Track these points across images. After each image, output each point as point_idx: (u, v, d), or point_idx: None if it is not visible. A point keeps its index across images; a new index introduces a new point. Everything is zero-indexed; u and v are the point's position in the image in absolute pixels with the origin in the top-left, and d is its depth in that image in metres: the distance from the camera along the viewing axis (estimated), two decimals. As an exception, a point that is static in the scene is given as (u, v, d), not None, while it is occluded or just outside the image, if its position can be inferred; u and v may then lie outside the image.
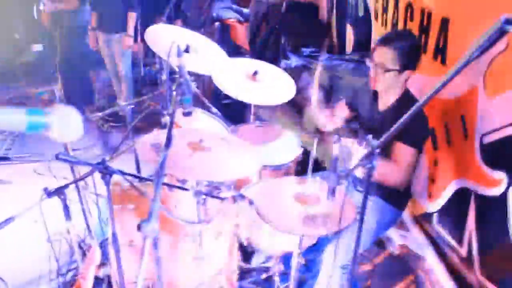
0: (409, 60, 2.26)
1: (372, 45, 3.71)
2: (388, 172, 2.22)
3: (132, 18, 4.64)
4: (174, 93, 1.60)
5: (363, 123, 2.60)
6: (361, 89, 2.55)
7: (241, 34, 5.85)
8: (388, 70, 2.25)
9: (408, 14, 3.15)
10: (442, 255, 2.92)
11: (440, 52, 2.70)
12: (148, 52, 6.39)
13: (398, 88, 2.35)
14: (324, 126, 2.56)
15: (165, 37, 2.66)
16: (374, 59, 2.30)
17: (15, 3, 6.31)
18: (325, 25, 5.40)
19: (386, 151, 2.27)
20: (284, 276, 2.61)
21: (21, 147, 4.43)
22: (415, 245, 3.18)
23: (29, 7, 6.41)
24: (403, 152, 2.23)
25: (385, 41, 2.30)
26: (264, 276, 2.75)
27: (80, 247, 2.68)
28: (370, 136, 1.40)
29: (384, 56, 2.26)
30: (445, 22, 2.63)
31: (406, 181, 2.30)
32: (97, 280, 2.51)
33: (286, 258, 2.60)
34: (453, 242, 2.76)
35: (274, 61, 4.09)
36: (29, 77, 6.13)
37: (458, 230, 2.67)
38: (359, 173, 2.45)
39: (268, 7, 5.51)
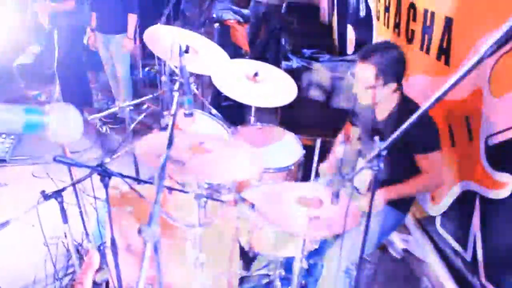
0: (390, 74, 2.20)
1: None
2: (428, 184, 2.30)
3: (133, 19, 4.61)
4: (176, 94, 1.56)
5: (364, 129, 2.56)
6: None
7: (241, 35, 5.83)
8: (369, 87, 2.22)
9: (411, 14, 3.12)
10: (445, 259, 2.89)
11: (444, 52, 2.67)
12: (147, 53, 6.36)
13: (390, 98, 2.31)
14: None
15: (165, 38, 2.63)
16: (356, 75, 2.27)
17: (11, 4, 6.28)
18: (325, 26, 5.38)
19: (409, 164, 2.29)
20: (285, 281, 2.56)
21: (19, 150, 4.39)
22: (418, 249, 3.14)
23: (25, 8, 6.38)
24: (431, 160, 2.23)
25: (364, 56, 2.24)
26: (265, 280, 2.71)
27: (77, 251, 2.64)
28: (377, 138, 1.36)
29: (364, 72, 2.22)
30: (448, 22, 2.60)
31: (442, 180, 2.33)
32: (95, 285, 2.47)
33: (287, 263, 2.56)
34: (457, 246, 2.73)
35: (275, 62, 4.07)
36: (27, 79, 6.09)
37: (462, 233, 2.64)
38: (360, 182, 2.45)
39: (268, 8, 5.49)
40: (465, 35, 2.46)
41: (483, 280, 2.44)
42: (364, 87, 2.23)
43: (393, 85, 2.23)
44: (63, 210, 2.06)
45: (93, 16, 4.71)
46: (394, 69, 2.22)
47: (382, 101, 2.31)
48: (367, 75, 2.20)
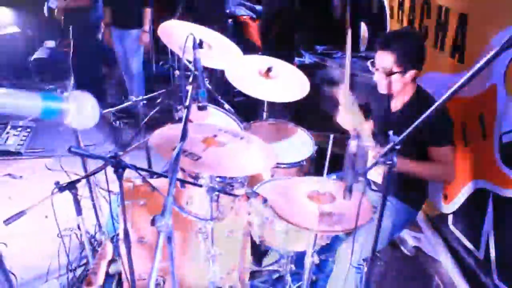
0: (410, 60, 2.20)
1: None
2: (440, 173, 2.29)
3: (148, 13, 4.64)
4: (190, 86, 1.57)
5: (378, 122, 2.55)
6: (375, 88, 2.50)
7: (254, 31, 5.82)
8: (390, 74, 2.21)
9: (425, 11, 3.09)
10: (457, 258, 2.86)
11: (458, 49, 2.65)
12: (160, 49, 6.39)
13: (408, 87, 2.31)
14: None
15: (179, 32, 2.64)
16: (376, 64, 2.26)
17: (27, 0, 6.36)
18: (338, 22, 5.35)
19: (420, 155, 2.28)
20: (296, 276, 2.57)
21: (33, 143, 4.44)
22: (429, 247, 3.12)
23: (41, 4, 6.46)
24: (443, 153, 2.23)
25: (383, 44, 2.24)
26: (276, 275, 2.72)
27: (90, 243, 2.66)
28: (391, 132, 1.36)
29: (384, 60, 2.21)
30: (463, 19, 2.57)
31: (454, 173, 2.33)
32: (107, 277, 2.50)
33: (298, 258, 2.56)
34: (469, 245, 2.70)
35: (288, 58, 4.06)
36: (42, 74, 6.17)
37: (474, 232, 2.61)
38: (375, 175, 2.44)
39: (281, 3, 5.47)
40: (480, 32, 2.44)
41: (496, 279, 2.42)
42: (384, 74, 2.22)
43: (413, 72, 2.22)
44: (77, 202, 2.08)
45: (106, 11, 4.73)
46: (414, 56, 2.22)
47: (400, 90, 2.30)
48: (387, 62, 2.20)
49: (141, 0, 4.60)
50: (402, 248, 3.14)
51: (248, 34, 5.91)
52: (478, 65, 1.08)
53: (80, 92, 1.02)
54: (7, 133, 4.49)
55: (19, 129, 4.59)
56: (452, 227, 2.91)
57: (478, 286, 2.62)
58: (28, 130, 4.60)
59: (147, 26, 4.67)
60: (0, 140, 4.37)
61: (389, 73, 2.21)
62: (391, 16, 3.90)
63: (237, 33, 5.74)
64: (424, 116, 1.25)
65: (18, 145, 4.33)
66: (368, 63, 2.32)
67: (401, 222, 2.43)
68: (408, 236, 3.17)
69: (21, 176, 3.90)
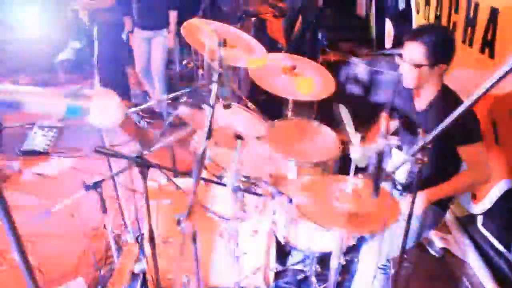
0: (440, 54, 2.14)
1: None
2: (475, 177, 2.19)
3: (174, 15, 4.71)
4: (214, 85, 1.55)
5: (404, 121, 2.50)
6: (401, 86, 2.45)
7: (277, 29, 5.81)
8: (418, 66, 2.15)
9: (453, 6, 3.02)
10: (487, 259, 2.80)
11: (488, 45, 2.58)
12: (184, 49, 6.43)
13: (433, 84, 2.24)
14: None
15: (202, 31, 2.63)
16: (404, 56, 2.21)
17: (52, 1, 6.46)
18: (363, 19, 5.29)
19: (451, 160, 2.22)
20: (321, 276, 2.54)
21: (60, 143, 4.50)
22: (458, 248, 3.06)
23: (65, 6, 6.56)
24: (475, 151, 2.15)
25: (413, 36, 2.19)
26: (300, 276, 2.69)
27: (116, 242, 2.69)
28: (421, 130, 1.32)
29: (413, 51, 2.16)
30: (494, 13, 2.50)
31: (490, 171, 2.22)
32: (133, 276, 2.51)
33: (323, 258, 2.54)
34: (499, 246, 2.64)
35: (312, 56, 4.02)
36: (68, 74, 6.28)
37: (505, 233, 2.55)
38: (400, 174, 2.40)
39: (304, 1, 5.44)
40: (512, 26, 2.37)
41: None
42: (413, 65, 2.17)
43: (441, 67, 2.17)
44: (103, 201, 2.09)
45: (134, 13, 4.79)
46: (444, 49, 2.16)
47: (426, 86, 2.24)
48: (416, 54, 2.14)
49: (167, 2, 4.66)
50: (430, 249, 3.07)
51: (271, 32, 5.90)
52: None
53: (105, 90, 1.01)
54: (35, 133, 4.57)
55: (46, 129, 4.66)
56: (481, 228, 2.84)
57: (509, 288, 2.56)
58: (55, 130, 4.67)
59: (173, 27, 4.73)
60: (28, 140, 4.45)
61: (418, 65, 2.16)
62: (417, 12, 3.84)
63: (260, 31, 5.72)
64: (454, 115, 1.21)
65: (45, 145, 4.40)
66: (396, 57, 2.27)
67: (428, 223, 2.37)
68: (435, 237, 3.11)
69: (48, 176, 3.96)
